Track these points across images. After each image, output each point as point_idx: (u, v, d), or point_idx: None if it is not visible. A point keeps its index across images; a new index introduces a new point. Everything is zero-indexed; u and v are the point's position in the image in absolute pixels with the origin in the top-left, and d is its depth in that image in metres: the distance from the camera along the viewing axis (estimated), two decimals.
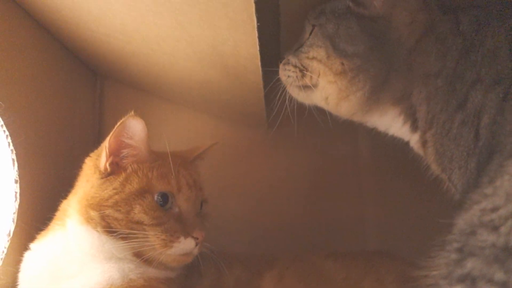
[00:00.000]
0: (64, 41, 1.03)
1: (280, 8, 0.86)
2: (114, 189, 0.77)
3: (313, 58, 0.80)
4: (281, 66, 0.85)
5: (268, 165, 1.21)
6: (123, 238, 0.75)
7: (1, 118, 0.78)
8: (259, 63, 0.79)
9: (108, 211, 0.75)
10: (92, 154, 0.84)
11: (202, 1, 0.64)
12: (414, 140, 0.82)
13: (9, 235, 0.79)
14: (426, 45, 0.76)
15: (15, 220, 0.80)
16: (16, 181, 0.80)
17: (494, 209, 0.58)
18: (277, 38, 0.96)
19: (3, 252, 0.78)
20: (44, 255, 0.79)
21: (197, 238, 0.78)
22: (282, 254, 0.94)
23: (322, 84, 0.81)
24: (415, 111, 0.79)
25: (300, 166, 1.21)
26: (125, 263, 0.76)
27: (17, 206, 0.80)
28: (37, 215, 0.85)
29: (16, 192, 0.80)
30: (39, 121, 0.92)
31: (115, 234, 0.75)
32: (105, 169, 0.79)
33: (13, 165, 0.80)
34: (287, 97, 0.87)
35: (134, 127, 0.79)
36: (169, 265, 0.79)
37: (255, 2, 0.60)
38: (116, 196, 0.76)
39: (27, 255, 0.80)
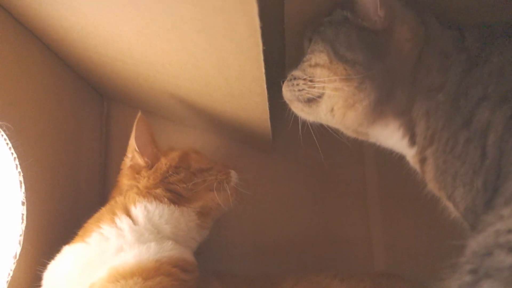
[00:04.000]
0: (71, 64, 1.04)
1: (285, 32, 0.87)
2: (165, 164, 0.93)
3: (316, 64, 0.78)
4: (285, 83, 0.84)
5: (273, 185, 1.21)
6: (187, 200, 0.90)
7: (10, 140, 0.79)
8: (265, 86, 0.79)
9: (172, 179, 0.91)
10: (123, 168, 0.96)
11: (209, 27, 0.65)
12: (410, 154, 0.81)
13: (15, 257, 0.79)
14: (429, 59, 0.75)
15: (22, 243, 0.80)
16: (23, 203, 0.81)
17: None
18: (282, 60, 0.97)
19: (9, 274, 0.78)
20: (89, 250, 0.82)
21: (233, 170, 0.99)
22: (288, 275, 0.93)
23: (328, 93, 0.77)
24: (414, 125, 0.78)
25: (305, 187, 1.21)
26: (164, 242, 0.83)
27: (23, 228, 0.80)
28: (43, 237, 0.85)
29: (23, 214, 0.80)
30: (46, 143, 0.93)
31: (180, 200, 0.90)
32: (146, 162, 0.94)
33: (21, 187, 0.81)
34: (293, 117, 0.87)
35: (142, 123, 0.96)
36: (230, 200, 0.96)
37: (261, 28, 0.60)
38: (173, 164, 0.94)
39: (68, 250, 0.84)
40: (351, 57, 0.74)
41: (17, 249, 0.79)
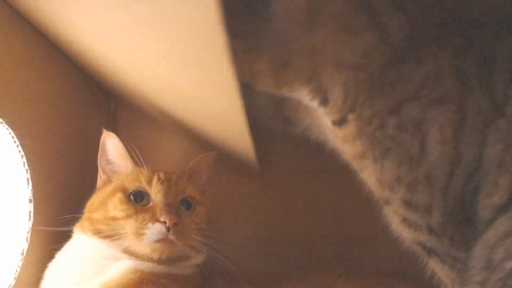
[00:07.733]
0: (79, 63, 1.05)
1: None
2: (97, 196, 0.88)
3: None
4: None
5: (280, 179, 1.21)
6: (109, 237, 0.81)
7: (17, 138, 0.80)
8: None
9: (94, 215, 0.84)
10: None
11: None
12: (325, 113, 0.82)
13: (22, 254, 0.80)
14: (337, 36, 0.76)
15: (29, 239, 0.81)
16: (30, 200, 0.82)
17: None
18: None
19: (16, 271, 0.79)
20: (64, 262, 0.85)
21: (165, 222, 0.79)
22: (291, 272, 0.93)
23: None
24: (326, 92, 0.78)
25: (314, 183, 1.21)
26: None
27: (30, 225, 0.81)
28: (50, 234, 0.86)
29: (30, 211, 0.81)
30: (53, 141, 0.94)
31: (102, 234, 0.81)
32: (100, 185, 0.91)
33: (28, 185, 0.82)
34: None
35: (109, 144, 0.91)
36: (153, 256, 0.79)
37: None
38: (97, 200, 0.86)
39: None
40: (241, 29, 0.78)
41: (25, 246, 0.80)
